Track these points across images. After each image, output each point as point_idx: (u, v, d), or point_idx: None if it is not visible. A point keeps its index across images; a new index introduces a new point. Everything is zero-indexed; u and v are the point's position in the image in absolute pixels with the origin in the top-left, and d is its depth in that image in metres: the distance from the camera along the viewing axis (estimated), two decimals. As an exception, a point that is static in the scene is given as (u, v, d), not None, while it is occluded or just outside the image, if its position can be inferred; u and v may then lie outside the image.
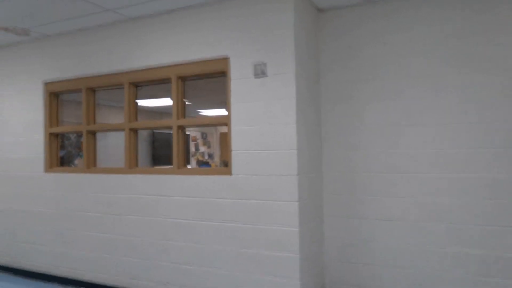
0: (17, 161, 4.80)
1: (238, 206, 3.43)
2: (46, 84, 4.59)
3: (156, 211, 3.83)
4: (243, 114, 3.44)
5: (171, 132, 4.07)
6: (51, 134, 4.58)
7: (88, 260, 4.21)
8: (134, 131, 4.09)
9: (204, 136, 11.38)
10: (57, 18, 3.95)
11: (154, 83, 4.02)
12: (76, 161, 7.18)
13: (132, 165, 4.05)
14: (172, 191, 3.75)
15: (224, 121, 3.58)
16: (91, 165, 4.34)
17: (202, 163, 10.67)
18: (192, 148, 10.93)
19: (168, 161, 8.43)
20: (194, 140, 11.00)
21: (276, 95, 3.30)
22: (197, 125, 3.77)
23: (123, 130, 4.10)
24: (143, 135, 9.13)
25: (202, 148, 11.33)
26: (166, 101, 7.36)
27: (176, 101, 3.80)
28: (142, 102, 8.08)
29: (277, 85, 3.30)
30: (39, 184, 4.59)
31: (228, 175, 3.48)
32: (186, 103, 3.95)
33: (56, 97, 4.63)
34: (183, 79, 3.83)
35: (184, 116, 3.84)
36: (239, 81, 3.46)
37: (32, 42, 4.71)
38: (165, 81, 3.91)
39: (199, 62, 3.66)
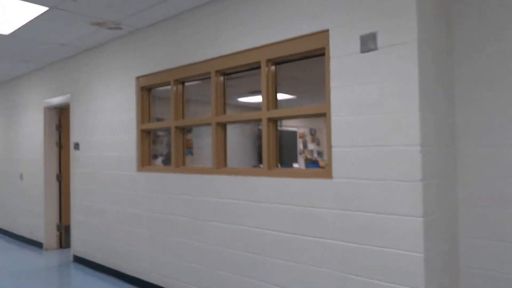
0: (113, 160, 4.69)
1: (340, 219, 2.68)
2: (138, 78, 4.37)
3: (244, 219, 3.27)
4: (346, 101, 2.67)
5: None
6: (142, 131, 4.34)
7: (178, 269, 3.85)
8: (222, 126, 3.59)
9: (312, 132, 10.67)
10: (145, 6, 3.64)
11: (242, 69, 3.47)
12: (159, 161, 7.07)
13: (220, 165, 3.56)
14: (262, 196, 3.15)
15: (322, 111, 2.85)
16: (180, 164, 3.97)
17: (310, 162, 9.98)
18: (300, 146, 10.30)
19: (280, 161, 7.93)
20: (302, 136, 10.37)
21: (390, 73, 2.47)
22: (290, 117, 3.11)
23: (209, 124, 3.63)
24: (246, 132, 8.79)
25: (311, 146, 10.63)
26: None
27: (266, 89, 3.19)
28: (244, 99, 7.71)
29: (392, 60, 2.46)
30: (132, 184, 4.39)
31: (328, 178, 2.75)
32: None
33: (148, 92, 4.38)
34: (273, 62, 3.19)
35: (276, 106, 3.20)
36: (341, 59, 2.70)
37: (125, 37, 4.53)
38: (254, 66, 3.32)
39: (292, 40, 2.99)
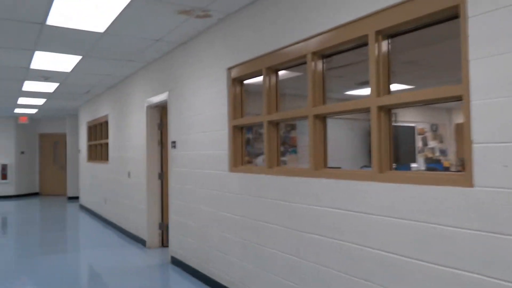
0: (205, 159, 4.36)
1: (484, 244, 1.87)
2: (229, 69, 3.96)
3: (348, 234, 2.61)
4: (494, 78, 1.86)
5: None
6: (234, 127, 3.92)
7: (273, 286, 3.33)
8: (321, 119, 2.97)
9: (434, 127, 9.36)
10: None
11: (345, 47, 2.80)
12: (261, 160, 6.61)
13: (318, 166, 2.94)
14: (371, 206, 2.46)
15: (456, 93, 2.06)
16: (274, 165, 3.44)
17: (431, 162, 8.73)
18: (419, 143, 9.08)
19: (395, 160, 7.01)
20: (422, 133, 9.13)
21: None
22: (410, 104, 2.36)
23: (306, 117, 3.03)
24: (355, 128, 7.95)
25: (432, 143, 9.32)
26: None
27: (375, 69, 2.48)
28: (352, 93, 6.91)
29: None
30: (224, 185, 4.00)
31: (466, 186, 1.96)
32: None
33: (240, 84, 3.95)
34: (385, 35, 2.47)
35: (389, 91, 2.48)
36: (486, 18, 1.89)
37: (215, 26, 4.17)
38: (359, 43, 2.64)
39: (411, 2, 2.24)
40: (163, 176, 6.10)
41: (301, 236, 3.00)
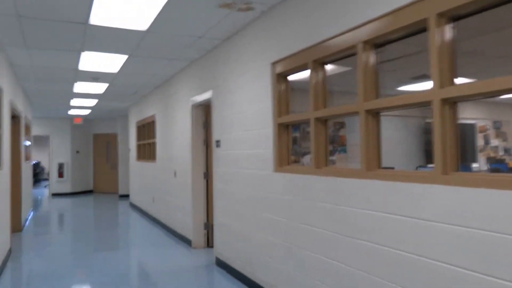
0: (249, 158, 4.19)
1: None
2: (273, 64, 3.76)
3: (403, 242, 2.33)
4: None
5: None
6: (279, 125, 3.71)
7: (318, 294, 3.10)
8: (374, 115, 2.69)
9: (497, 125, 8.65)
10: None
11: (401, 35, 2.51)
12: (308, 159, 6.31)
13: (371, 166, 2.67)
14: (430, 212, 2.17)
15: (540, 80, 1.73)
16: (321, 165, 3.20)
17: (494, 162, 8.06)
18: (480, 142, 8.42)
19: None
20: (483, 130, 8.47)
21: None
22: (481, 95, 2.04)
23: (357, 113, 2.77)
24: (409, 125, 7.47)
25: (495, 141, 8.62)
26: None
27: (437, 57, 2.18)
28: (406, 88, 6.47)
29: None
30: (269, 186, 3.81)
31: (553, 193, 1.64)
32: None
33: (285, 79, 3.74)
34: (448, 17, 2.17)
35: (453, 82, 2.17)
36: None
37: (258, 19, 3.98)
38: (417, 27, 2.34)
39: (481, -24, 1.93)
40: (208, 175, 6.01)
41: (350, 242, 2.75)
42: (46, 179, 18.57)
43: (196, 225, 6.01)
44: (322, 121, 3.22)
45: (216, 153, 5.08)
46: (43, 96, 9.02)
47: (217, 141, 5.03)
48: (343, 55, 2.99)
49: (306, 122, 3.42)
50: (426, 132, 7.57)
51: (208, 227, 6.01)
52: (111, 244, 6.59)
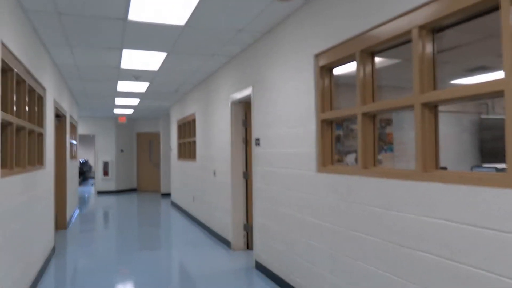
0: (290, 157, 3.97)
1: None
2: (316, 56, 3.52)
3: (467, 253, 2.02)
4: None
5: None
6: (323, 121, 3.46)
7: (366, 306, 2.83)
8: (431, 108, 2.40)
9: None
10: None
11: (463, 17, 2.20)
12: (352, 158, 5.97)
13: (428, 166, 2.38)
14: (502, 221, 1.86)
15: None
16: (369, 164, 2.93)
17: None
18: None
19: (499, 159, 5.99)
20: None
21: None
22: None
23: (411, 107, 2.48)
24: (462, 122, 6.94)
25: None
26: None
27: (510, 37, 1.87)
28: (461, 81, 6.00)
29: None
30: (312, 187, 3.57)
31: None
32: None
33: (329, 72, 3.48)
34: (527, -9, 1.85)
35: (530, 68, 1.85)
36: None
37: (300, 9, 3.74)
38: (485, 7, 2.03)
39: None
40: (247, 175, 5.84)
41: (404, 253, 2.46)
42: (93, 177, 19.16)
43: (236, 226, 5.86)
44: (370, 117, 2.94)
45: (256, 151, 4.89)
46: (88, 95, 9.20)
47: (257, 139, 4.84)
48: (395, 43, 2.70)
49: (351, 119, 3.15)
50: (482, 129, 7.01)
51: (248, 228, 5.84)
52: (152, 243, 6.57)
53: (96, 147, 14.44)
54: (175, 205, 10.82)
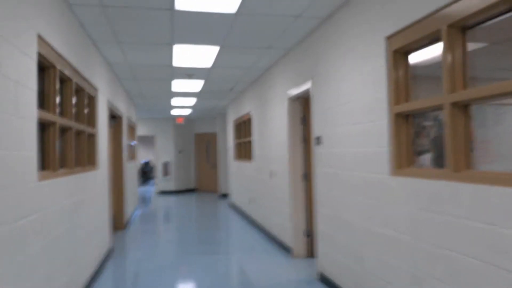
0: (356, 158, 3.44)
1: None
2: (388, 39, 2.97)
3: None
4: None
5: None
6: (397, 115, 2.92)
7: None
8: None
9: None
10: None
11: None
12: (426, 160, 5.23)
13: (550, 170, 1.78)
14: None
15: None
16: (461, 167, 2.35)
17: None
18: None
19: None
20: None
21: None
22: None
23: (524, 92, 1.89)
24: None
25: None
26: None
27: None
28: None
29: None
30: (384, 193, 3.03)
31: None
32: None
33: (403, 56, 2.93)
34: None
35: None
36: None
37: (370, -18, 3.22)
38: None
39: None
40: (308, 177, 5.36)
41: (518, 282, 1.88)
42: (154, 178, 19.57)
43: (296, 232, 5.40)
44: (462, 107, 2.36)
45: (317, 151, 4.41)
46: (145, 96, 9.19)
47: (317, 138, 4.35)
48: (499, 11, 2.11)
49: (435, 110, 2.59)
50: None
51: (310, 234, 5.36)
52: (209, 246, 6.29)
53: (156, 148, 14.62)
54: (233, 206, 10.56)
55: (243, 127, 8.97)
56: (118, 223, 7.48)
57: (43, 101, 3.09)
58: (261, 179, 7.09)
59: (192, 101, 10.13)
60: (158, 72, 6.54)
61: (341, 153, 3.78)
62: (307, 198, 5.40)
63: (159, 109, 11.88)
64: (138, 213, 10.06)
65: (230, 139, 10.84)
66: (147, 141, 22.78)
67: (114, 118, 7.26)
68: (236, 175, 9.99)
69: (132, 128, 9.90)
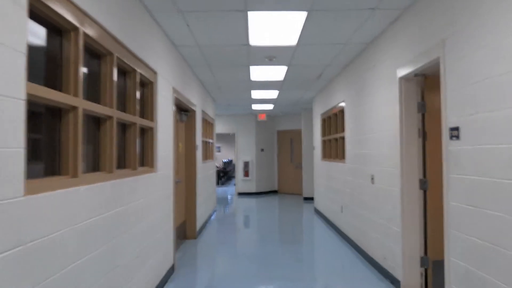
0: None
1: None
2: None
3: None
4: None
5: None
6: None
7: None
8: None
9: None
10: None
11: None
12: None
13: None
14: None
15: None
16: None
17: None
18: None
19: None
20: None
21: None
22: None
23: None
24: None
25: None
26: None
27: None
28: None
29: None
30: None
31: None
32: None
33: None
34: None
35: None
36: None
37: None
38: None
39: None
40: (427, 184, 3.94)
41: None
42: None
43: (408, 258, 4.00)
44: None
45: (452, 148, 3.00)
46: (221, 88, 8.28)
47: (454, 129, 2.94)
48: None
49: None
50: None
51: (427, 263, 3.93)
52: (292, 267, 5.10)
53: (237, 146, 13.81)
54: (319, 213, 9.27)
55: (334, 121, 7.65)
56: (189, 232, 6.61)
57: (55, 75, 2.14)
58: (357, 184, 5.73)
59: (274, 94, 9.04)
60: (233, 55, 5.51)
61: (499, 152, 2.37)
62: (424, 214, 3.98)
63: (239, 104, 10.98)
64: (215, 217, 9.21)
65: (317, 136, 9.56)
66: (229, 139, 22.27)
67: (186, 111, 6.41)
68: (323, 177, 8.69)
69: (209, 124, 9.08)
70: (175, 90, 4.97)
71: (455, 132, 2.92)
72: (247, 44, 4.96)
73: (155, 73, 4.04)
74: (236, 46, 5.07)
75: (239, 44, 4.96)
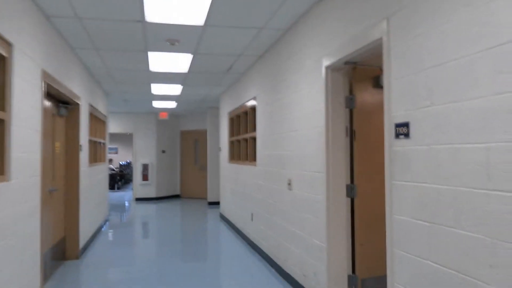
0: (498, 163, 1.48)
1: None
2: None
3: None
4: None
5: None
6: None
7: None
8: None
9: None
10: None
11: None
12: None
13: None
14: None
15: None
16: None
17: None
18: None
19: None
20: None
21: None
22: None
23: None
24: None
25: None
26: None
27: None
28: None
29: None
30: None
31: None
32: None
33: None
34: None
35: None
36: None
37: None
38: None
39: None
40: (355, 191, 3.40)
41: None
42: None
43: (334, 277, 3.43)
44: None
45: (397, 149, 2.44)
46: (114, 77, 7.12)
47: (401, 125, 2.39)
48: None
49: None
50: None
51: (356, 282, 3.40)
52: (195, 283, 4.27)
53: (134, 147, 12.50)
54: (225, 219, 8.55)
55: (243, 119, 6.98)
56: (70, 251, 5.40)
57: None
58: (272, 190, 5.10)
59: (177, 89, 8.10)
60: (126, 34, 4.51)
61: (469, 153, 1.83)
62: (352, 226, 3.45)
63: (138, 100, 9.80)
64: (105, 228, 7.95)
65: (223, 136, 8.83)
66: (128, 139, 20.67)
67: (66, 104, 5.20)
68: (230, 181, 7.98)
69: (100, 122, 7.82)
70: (46, 75, 3.84)
71: (403, 129, 2.37)
72: (143, 20, 4.02)
73: (9, 44, 2.93)
74: (129, 23, 4.10)
75: (133, 20, 4.00)
